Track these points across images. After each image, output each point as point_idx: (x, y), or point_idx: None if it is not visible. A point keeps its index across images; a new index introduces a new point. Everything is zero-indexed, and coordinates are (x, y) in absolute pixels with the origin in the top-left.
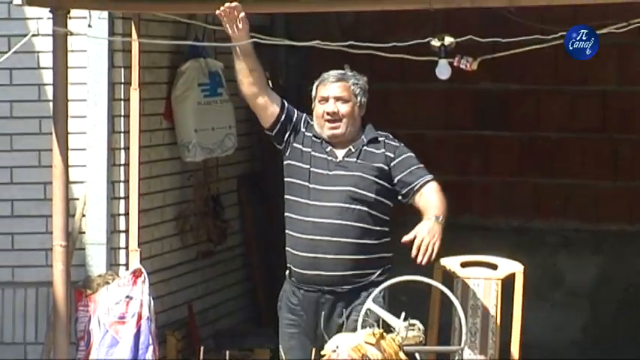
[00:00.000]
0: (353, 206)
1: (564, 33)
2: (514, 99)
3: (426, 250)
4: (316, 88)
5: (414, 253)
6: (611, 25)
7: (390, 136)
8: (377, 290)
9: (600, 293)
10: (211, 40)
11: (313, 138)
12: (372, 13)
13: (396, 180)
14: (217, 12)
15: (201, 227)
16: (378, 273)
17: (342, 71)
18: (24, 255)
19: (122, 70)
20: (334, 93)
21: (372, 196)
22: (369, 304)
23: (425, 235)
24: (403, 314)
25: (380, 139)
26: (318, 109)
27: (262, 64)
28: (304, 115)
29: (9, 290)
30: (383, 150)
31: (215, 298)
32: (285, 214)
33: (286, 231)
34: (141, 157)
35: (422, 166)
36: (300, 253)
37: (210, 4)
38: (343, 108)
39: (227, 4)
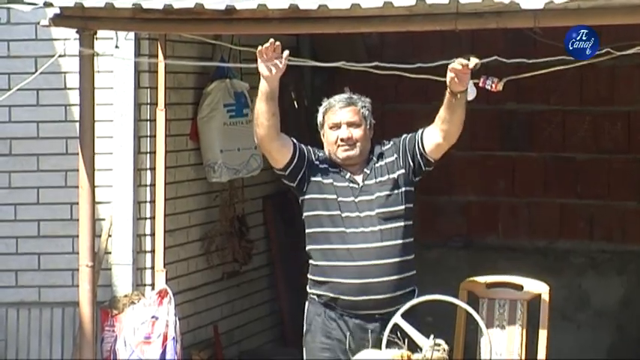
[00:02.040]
0: (389, 225)
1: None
2: (539, 119)
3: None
4: (323, 115)
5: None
6: (637, 45)
7: (384, 141)
8: (406, 306)
9: (626, 314)
10: (237, 60)
11: (330, 169)
12: (398, 34)
13: (411, 160)
14: (259, 50)
15: (227, 248)
16: (416, 291)
17: (348, 95)
18: (50, 275)
19: (148, 90)
20: (346, 118)
21: (402, 207)
22: (397, 319)
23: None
24: (432, 336)
25: (383, 148)
26: (331, 135)
27: (287, 84)
28: (312, 148)
29: (35, 310)
30: (392, 157)
31: (240, 318)
32: (318, 246)
33: (320, 262)
34: (167, 177)
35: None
36: (347, 281)
37: (236, 26)
38: (356, 132)
39: (271, 41)
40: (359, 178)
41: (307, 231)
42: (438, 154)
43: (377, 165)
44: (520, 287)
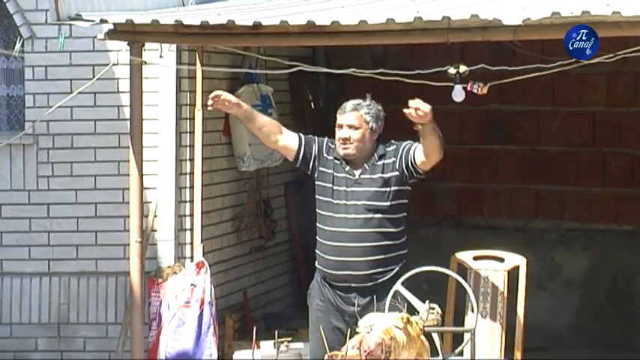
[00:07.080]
0: (370, 215)
1: (562, 62)
2: (518, 118)
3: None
4: (337, 115)
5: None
6: (600, 56)
7: (392, 142)
8: (405, 276)
9: (591, 283)
10: (263, 68)
11: (335, 161)
12: (399, 46)
13: (404, 168)
14: (209, 105)
15: (254, 226)
16: (397, 269)
17: (358, 101)
18: (105, 249)
19: (188, 93)
20: (347, 121)
21: (386, 204)
22: (398, 286)
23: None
24: (427, 301)
25: (387, 149)
26: (336, 133)
27: (305, 88)
28: (325, 140)
29: (93, 279)
30: (390, 159)
31: (265, 286)
32: (317, 224)
33: (317, 238)
34: (203, 167)
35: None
36: (330, 257)
37: (262, 39)
38: (354, 134)
39: (213, 94)
40: (357, 172)
41: (316, 210)
42: (426, 168)
43: (377, 163)
44: (502, 260)
